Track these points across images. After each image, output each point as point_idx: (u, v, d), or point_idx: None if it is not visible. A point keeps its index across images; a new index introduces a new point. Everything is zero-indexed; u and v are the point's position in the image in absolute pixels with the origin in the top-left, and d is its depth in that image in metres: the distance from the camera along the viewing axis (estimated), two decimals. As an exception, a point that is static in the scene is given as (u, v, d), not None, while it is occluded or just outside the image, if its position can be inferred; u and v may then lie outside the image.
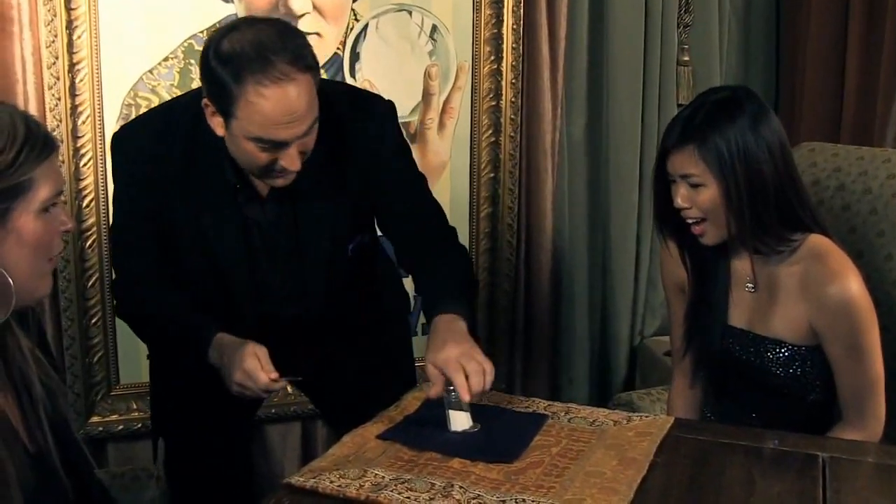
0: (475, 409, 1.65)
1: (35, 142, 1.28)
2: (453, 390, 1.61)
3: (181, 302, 1.87)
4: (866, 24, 2.87)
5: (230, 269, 1.86)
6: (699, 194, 1.74)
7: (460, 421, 1.62)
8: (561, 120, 2.93)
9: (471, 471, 1.47)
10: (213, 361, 1.79)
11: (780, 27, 3.23)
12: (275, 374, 1.71)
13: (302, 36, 1.72)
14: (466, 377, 1.59)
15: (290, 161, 1.70)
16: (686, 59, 3.06)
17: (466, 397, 1.59)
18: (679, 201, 1.76)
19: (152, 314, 1.90)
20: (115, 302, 2.18)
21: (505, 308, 2.99)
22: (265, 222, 1.86)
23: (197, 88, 1.79)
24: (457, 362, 1.61)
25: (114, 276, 2.02)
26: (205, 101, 1.71)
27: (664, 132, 1.80)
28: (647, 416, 1.70)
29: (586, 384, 3.15)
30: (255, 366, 1.71)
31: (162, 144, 1.80)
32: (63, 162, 2.43)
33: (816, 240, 1.77)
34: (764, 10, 3.22)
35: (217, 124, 1.71)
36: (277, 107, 1.63)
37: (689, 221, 1.78)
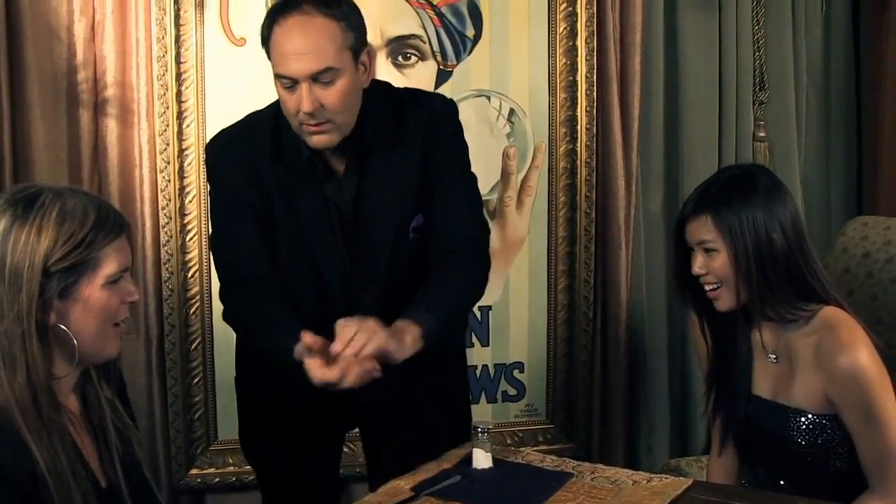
0: (505, 467, 1.80)
1: (102, 225, 1.49)
2: (479, 430, 1.78)
3: (279, 308, 1.85)
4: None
5: (322, 257, 1.90)
6: (713, 260, 1.84)
7: (481, 459, 1.78)
8: (636, 196, 3.05)
9: (485, 520, 1.60)
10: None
11: (861, 100, 3.26)
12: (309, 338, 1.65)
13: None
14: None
15: (299, 99, 1.74)
16: (762, 134, 3.12)
17: (337, 347, 1.64)
18: (696, 268, 1.86)
19: (247, 312, 1.90)
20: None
21: (583, 377, 3.08)
22: (343, 203, 1.90)
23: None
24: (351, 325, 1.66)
25: (219, 284, 2.00)
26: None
27: (683, 204, 1.92)
28: (667, 478, 1.78)
29: (666, 452, 3.18)
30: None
31: (251, 139, 1.91)
32: (171, 237, 2.73)
33: (830, 311, 1.83)
34: (843, 84, 3.25)
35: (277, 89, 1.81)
36: (289, 35, 1.73)
37: (707, 288, 1.87)
